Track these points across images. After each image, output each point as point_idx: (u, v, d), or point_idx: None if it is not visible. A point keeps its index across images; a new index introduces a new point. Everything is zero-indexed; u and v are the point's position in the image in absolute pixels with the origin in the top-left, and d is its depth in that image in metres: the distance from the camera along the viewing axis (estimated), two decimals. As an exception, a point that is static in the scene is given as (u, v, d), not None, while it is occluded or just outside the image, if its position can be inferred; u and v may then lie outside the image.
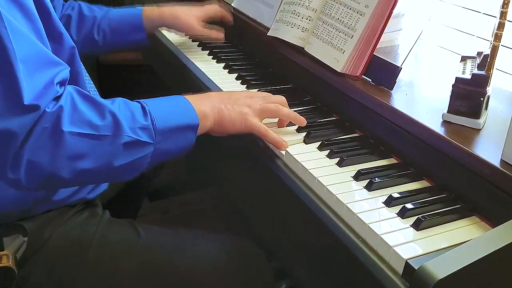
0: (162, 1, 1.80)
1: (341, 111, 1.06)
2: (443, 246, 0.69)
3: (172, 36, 1.47)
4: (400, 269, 0.67)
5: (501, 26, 0.83)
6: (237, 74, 1.24)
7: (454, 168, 0.80)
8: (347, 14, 1.04)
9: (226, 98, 0.96)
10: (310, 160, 0.89)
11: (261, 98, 0.99)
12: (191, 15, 1.34)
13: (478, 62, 0.89)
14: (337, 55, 1.04)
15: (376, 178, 0.83)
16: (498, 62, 0.87)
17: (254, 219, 1.12)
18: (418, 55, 1.21)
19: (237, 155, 1.11)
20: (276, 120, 1.00)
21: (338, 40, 1.04)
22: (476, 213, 0.77)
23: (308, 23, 1.14)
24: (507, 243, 0.63)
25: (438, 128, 0.84)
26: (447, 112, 0.87)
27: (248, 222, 1.19)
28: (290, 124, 1.01)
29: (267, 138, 0.93)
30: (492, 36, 0.85)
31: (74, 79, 0.94)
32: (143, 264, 0.95)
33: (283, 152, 0.92)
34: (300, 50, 1.14)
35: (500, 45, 0.84)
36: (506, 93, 1.03)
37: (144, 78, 2.28)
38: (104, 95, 1.08)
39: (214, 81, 1.20)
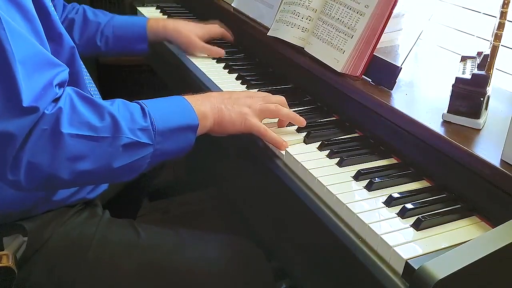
0: (162, 1, 1.81)
1: (341, 111, 1.06)
2: (443, 246, 0.69)
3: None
4: (400, 269, 0.67)
5: (501, 26, 0.83)
6: (237, 74, 1.24)
7: (454, 168, 0.80)
8: (347, 14, 1.04)
9: (226, 98, 0.96)
10: (310, 160, 0.89)
11: (261, 98, 0.99)
12: (193, 32, 1.36)
13: (478, 62, 0.89)
14: (337, 55, 1.04)
15: (376, 178, 0.83)
16: (498, 62, 0.87)
17: (254, 219, 1.12)
18: (418, 55, 1.21)
19: (237, 155, 1.11)
20: (276, 120, 1.00)
21: (338, 40, 1.04)
22: (476, 213, 0.77)
23: (308, 23, 1.14)
24: (507, 243, 0.63)
25: (438, 128, 0.84)
26: (447, 112, 0.87)
27: (248, 222, 1.19)
28: (290, 124, 1.01)
29: (267, 138, 0.93)
30: (492, 36, 0.85)
31: (74, 79, 0.94)
32: (143, 264, 0.95)
33: (283, 152, 0.92)
34: (300, 50, 1.14)
35: (500, 45, 0.84)
36: (506, 93, 1.03)
37: (144, 78, 2.28)
38: (104, 95, 1.09)
39: (214, 81, 1.20)
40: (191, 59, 1.33)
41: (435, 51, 1.26)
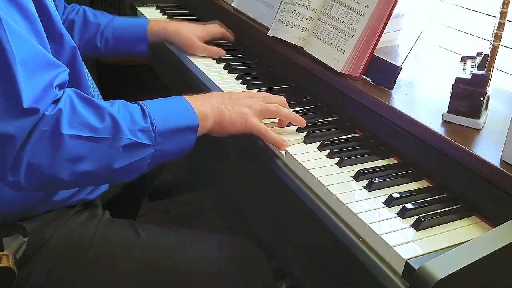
0: (162, 1, 1.81)
1: (341, 111, 1.06)
2: (443, 246, 0.69)
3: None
4: (400, 269, 0.67)
5: (501, 26, 0.83)
6: (237, 74, 1.24)
7: (454, 168, 0.80)
8: (347, 14, 1.04)
9: (226, 98, 0.96)
10: (310, 160, 0.89)
11: (261, 99, 0.99)
12: (194, 33, 1.36)
13: (478, 62, 0.89)
14: (337, 55, 1.04)
15: (376, 178, 0.83)
16: (498, 62, 0.87)
17: (254, 219, 1.12)
18: (418, 55, 1.21)
19: (237, 155, 1.11)
20: (276, 120, 1.00)
21: (338, 40, 1.04)
22: (476, 213, 0.77)
23: (308, 23, 1.14)
24: (507, 243, 0.63)
25: (438, 128, 0.84)
26: (447, 112, 0.87)
27: (248, 222, 1.19)
28: (290, 124, 1.01)
29: (267, 138, 0.93)
30: (492, 36, 0.85)
31: (76, 79, 0.94)
32: (143, 264, 0.95)
33: (283, 152, 0.92)
34: (300, 50, 1.14)
35: (500, 45, 0.84)
36: (506, 93, 1.03)
37: (144, 78, 2.28)
38: (104, 95, 1.09)
39: (214, 81, 1.20)
40: (191, 59, 1.33)
41: (435, 51, 1.26)
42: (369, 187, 0.82)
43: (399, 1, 0.98)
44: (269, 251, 1.08)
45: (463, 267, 0.60)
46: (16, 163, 0.72)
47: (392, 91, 0.97)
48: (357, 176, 0.84)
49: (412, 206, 0.76)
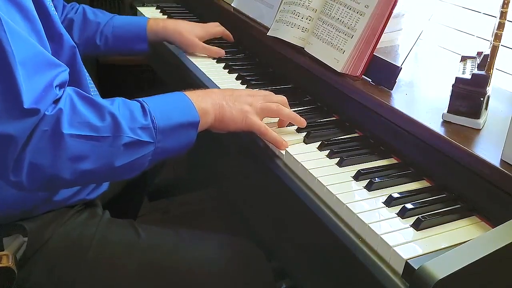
0: (162, 1, 1.81)
1: (341, 111, 1.06)
2: (443, 246, 0.69)
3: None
4: (400, 269, 0.67)
5: (501, 26, 0.83)
6: (237, 74, 1.24)
7: (454, 168, 0.80)
8: (347, 14, 1.04)
9: (228, 95, 0.96)
10: (310, 160, 0.89)
11: (262, 97, 0.99)
12: (193, 33, 1.36)
13: (478, 62, 0.89)
14: (337, 55, 1.04)
15: (376, 178, 0.83)
16: (498, 62, 0.87)
17: (254, 219, 1.12)
18: (418, 55, 1.21)
19: (237, 155, 1.11)
20: (276, 120, 1.00)
21: (338, 40, 1.04)
22: (476, 213, 0.77)
23: (308, 23, 1.14)
24: (507, 243, 0.64)
25: (438, 128, 0.84)
26: (447, 112, 0.87)
27: (248, 222, 1.19)
28: (290, 124, 1.01)
29: (267, 137, 0.93)
30: (492, 36, 0.85)
31: (75, 79, 0.94)
32: (143, 264, 0.94)
33: (283, 152, 0.92)
34: (300, 50, 1.14)
35: (500, 45, 0.85)
36: (506, 93, 1.03)
37: (144, 78, 2.28)
38: (104, 95, 1.08)
39: (214, 81, 1.20)
40: (191, 59, 1.33)
41: (435, 51, 1.26)
42: (369, 187, 0.82)
43: (399, 1, 0.98)
44: (269, 251, 1.08)
45: (463, 267, 0.60)
46: (18, 163, 0.72)
47: (392, 91, 0.97)
48: (357, 176, 0.84)
49: (412, 206, 0.76)
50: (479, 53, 0.93)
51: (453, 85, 0.86)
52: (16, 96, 0.70)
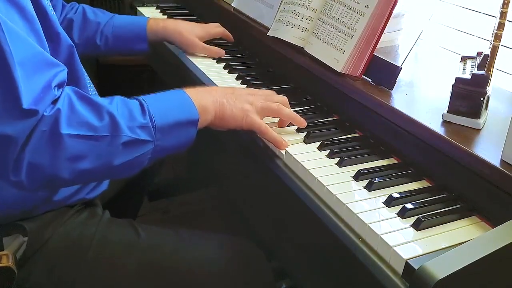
0: (162, 1, 1.81)
1: (341, 111, 1.06)
2: (443, 246, 0.69)
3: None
4: (400, 269, 0.67)
5: (501, 26, 0.83)
6: (237, 74, 1.24)
7: (454, 168, 0.80)
8: (347, 14, 1.04)
9: (229, 93, 0.97)
10: (310, 160, 0.89)
11: (263, 97, 0.99)
12: (193, 33, 1.36)
13: (478, 62, 0.89)
14: (337, 55, 1.04)
15: (376, 178, 0.83)
16: (498, 62, 0.87)
17: (254, 219, 1.12)
18: (418, 55, 1.21)
19: (237, 155, 1.11)
20: (276, 120, 1.00)
21: (338, 40, 1.04)
22: (476, 213, 0.77)
23: (308, 23, 1.14)
24: (507, 243, 0.64)
25: (438, 128, 0.84)
26: (447, 112, 0.87)
27: (248, 222, 1.19)
28: (290, 124, 1.01)
29: (267, 136, 0.93)
30: (492, 36, 0.85)
31: (73, 78, 0.94)
32: (143, 264, 0.94)
33: (283, 152, 0.92)
34: (300, 50, 1.14)
35: (500, 45, 0.85)
36: (506, 93, 1.03)
37: (144, 78, 2.28)
38: (104, 95, 1.08)
39: (214, 81, 1.20)
40: (191, 59, 1.33)
41: (435, 51, 1.26)
42: (369, 187, 0.82)
43: (399, 1, 0.98)
44: (269, 251, 1.08)
45: (463, 267, 0.60)
46: (17, 163, 0.72)
47: (392, 91, 0.97)
48: (357, 176, 0.84)
49: (412, 206, 0.76)
50: (479, 53, 0.93)
51: (453, 85, 0.86)
52: (15, 96, 0.70)
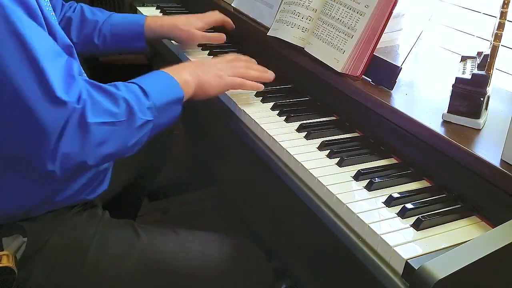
0: (162, 1, 1.81)
1: (341, 111, 1.07)
2: (443, 246, 0.69)
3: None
4: (400, 269, 0.67)
5: (501, 26, 0.83)
6: (237, 74, 1.24)
7: (454, 168, 0.80)
8: (347, 14, 1.04)
9: (199, 65, 1.06)
10: (310, 160, 0.89)
11: (229, 62, 1.10)
12: (191, 25, 1.35)
13: (478, 62, 0.89)
14: (337, 55, 1.04)
15: (376, 178, 0.83)
16: (498, 62, 0.87)
17: (254, 219, 1.12)
18: (418, 55, 1.21)
19: (237, 155, 1.11)
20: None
21: (338, 40, 1.04)
22: (476, 213, 0.77)
23: (308, 23, 1.14)
24: (507, 243, 0.64)
25: (438, 128, 0.84)
26: (447, 112, 0.87)
27: (248, 222, 1.19)
28: (291, 125, 1.01)
29: (245, 86, 1.07)
30: (492, 36, 0.85)
31: None
32: (143, 264, 0.94)
33: (284, 152, 0.92)
34: (300, 50, 1.14)
35: (500, 45, 0.84)
36: (506, 93, 1.03)
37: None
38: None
39: (214, 81, 1.20)
40: (191, 59, 1.33)
41: (435, 51, 1.26)
42: (369, 187, 0.82)
43: (399, 1, 0.98)
44: (269, 251, 1.08)
45: (463, 267, 0.60)
46: (54, 153, 0.77)
47: (392, 91, 0.97)
48: (357, 176, 0.84)
49: (412, 206, 0.76)
50: (479, 53, 0.93)
51: (453, 85, 0.86)
52: (48, 86, 0.76)
